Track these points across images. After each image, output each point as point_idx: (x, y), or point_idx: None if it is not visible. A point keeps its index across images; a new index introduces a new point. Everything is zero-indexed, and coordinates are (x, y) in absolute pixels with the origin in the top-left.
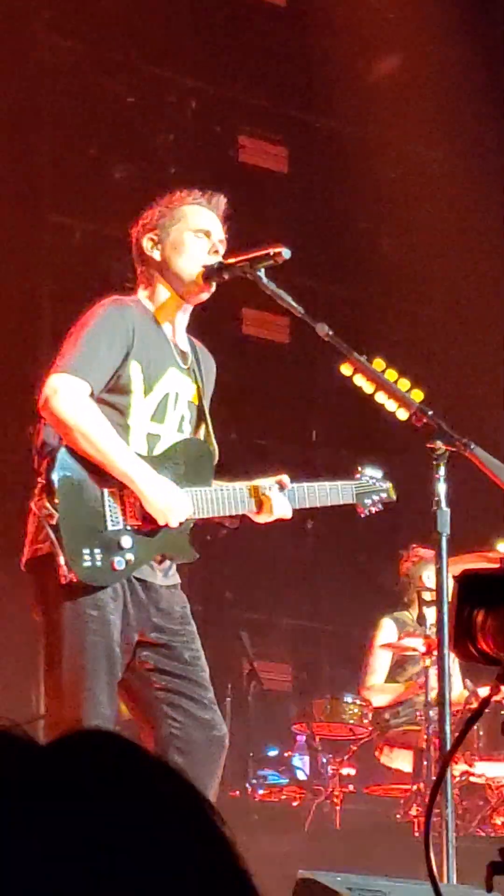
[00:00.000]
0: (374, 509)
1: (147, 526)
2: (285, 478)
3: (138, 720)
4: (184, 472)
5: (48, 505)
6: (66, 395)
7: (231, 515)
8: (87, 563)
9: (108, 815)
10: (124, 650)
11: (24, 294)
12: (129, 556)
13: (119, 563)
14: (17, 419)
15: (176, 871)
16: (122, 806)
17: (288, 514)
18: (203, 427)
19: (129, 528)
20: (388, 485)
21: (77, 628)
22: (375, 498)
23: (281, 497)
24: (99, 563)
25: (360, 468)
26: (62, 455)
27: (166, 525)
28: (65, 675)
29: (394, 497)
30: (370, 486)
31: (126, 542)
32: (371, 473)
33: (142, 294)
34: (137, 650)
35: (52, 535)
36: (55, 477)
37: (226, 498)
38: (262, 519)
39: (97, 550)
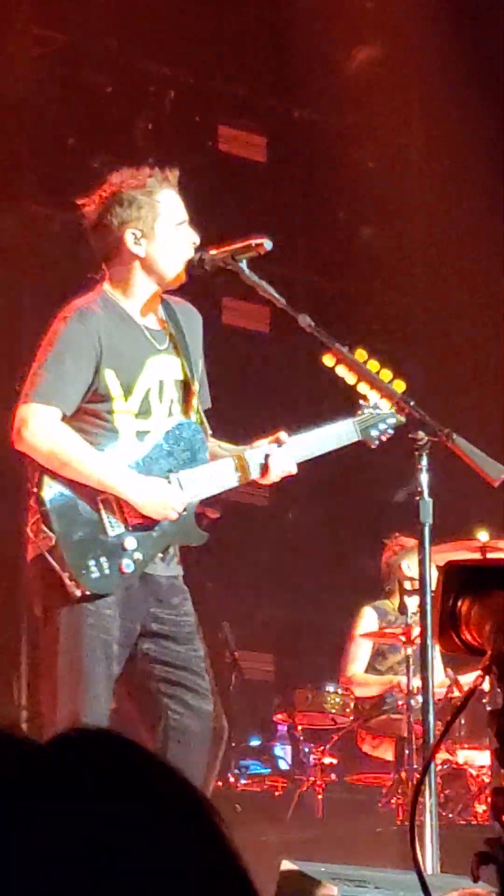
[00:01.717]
0: (384, 437)
1: (149, 521)
2: (282, 434)
3: (137, 711)
4: (173, 458)
5: (45, 528)
6: (35, 425)
7: (218, 497)
8: (96, 574)
9: (108, 814)
10: (124, 644)
11: (4, 282)
12: (137, 556)
13: (127, 565)
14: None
15: (176, 870)
16: (123, 805)
17: (292, 470)
18: (193, 401)
19: (130, 528)
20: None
21: (74, 624)
22: (382, 426)
23: (280, 455)
24: (107, 571)
25: (361, 402)
26: (45, 479)
27: (168, 520)
28: (61, 670)
29: (402, 420)
30: (374, 416)
31: (130, 542)
32: (374, 402)
33: (109, 287)
34: (138, 641)
35: (52, 560)
36: (46, 499)
37: (223, 471)
38: (266, 481)
39: (103, 559)
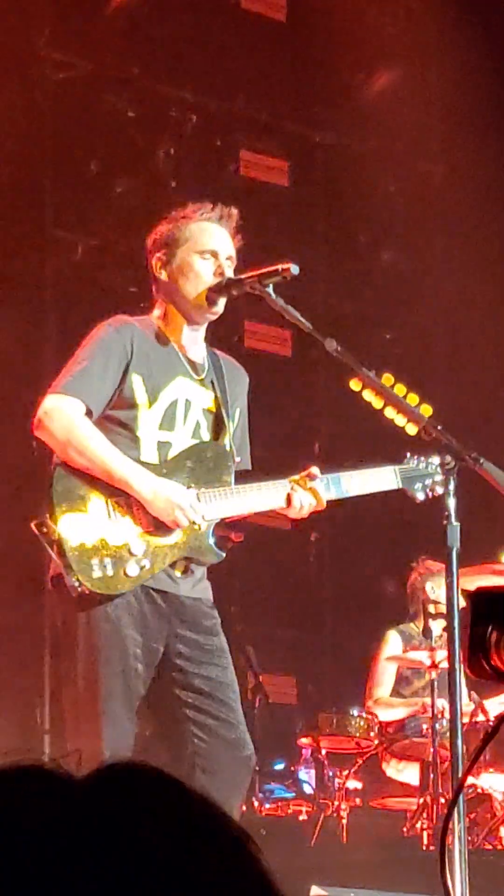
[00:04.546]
0: (431, 493)
1: (159, 531)
2: (314, 469)
3: (163, 736)
4: (196, 474)
5: (49, 522)
6: (56, 413)
7: (244, 516)
8: (98, 574)
9: (144, 849)
10: (147, 662)
11: (27, 307)
12: (144, 563)
13: (132, 569)
14: (22, 432)
15: None
16: (158, 840)
17: (320, 506)
18: (224, 435)
19: (140, 534)
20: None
21: (91, 642)
22: (429, 482)
23: (306, 491)
24: (110, 572)
25: (408, 454)
26: (59, 472)
27: (178, 527)
28: (81, 689)
29: (442, 481)
30: (421, 469)
31: (137, 548)
32: (423, 458)
33: (155, 313)
34: (164, 664)
35: (53, 553)
36: (54, 493)
37: (246, 495)
38: (291, 514)
39: (107, 560)
